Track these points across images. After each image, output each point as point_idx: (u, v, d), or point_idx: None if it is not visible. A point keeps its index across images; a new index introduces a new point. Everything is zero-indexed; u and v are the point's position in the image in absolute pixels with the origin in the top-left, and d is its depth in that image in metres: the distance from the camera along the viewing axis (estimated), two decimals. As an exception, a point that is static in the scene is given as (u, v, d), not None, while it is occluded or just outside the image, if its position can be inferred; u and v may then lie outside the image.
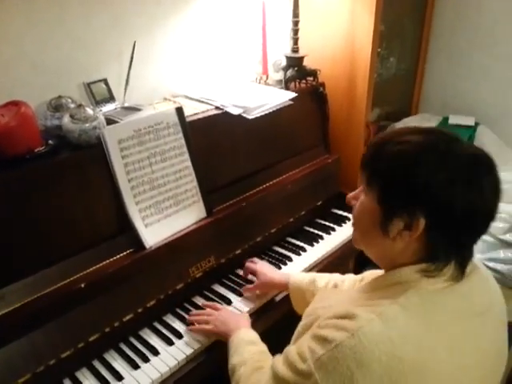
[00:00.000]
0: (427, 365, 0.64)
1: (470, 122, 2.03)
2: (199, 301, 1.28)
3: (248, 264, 1.35)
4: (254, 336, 1.05)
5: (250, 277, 1.34)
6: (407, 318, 0.66)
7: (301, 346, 0.72)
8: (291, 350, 0.75)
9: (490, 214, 0.70)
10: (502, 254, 1.59)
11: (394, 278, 0.73)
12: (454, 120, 2.06)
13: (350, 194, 0.83)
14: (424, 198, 0.67)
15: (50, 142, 1.08)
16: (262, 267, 1.31)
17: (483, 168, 0.69)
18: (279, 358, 0.78)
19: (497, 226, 1.61)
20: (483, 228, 0.72)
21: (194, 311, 1.22)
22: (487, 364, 0.73)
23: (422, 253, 0.71)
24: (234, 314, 1.18)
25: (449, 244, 0.70)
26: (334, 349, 0.65)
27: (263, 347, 1.01)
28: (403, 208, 0.69)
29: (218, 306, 1.22)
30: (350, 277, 1.10)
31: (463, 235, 0.70)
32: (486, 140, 1.94)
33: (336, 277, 1.13)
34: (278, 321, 1.30)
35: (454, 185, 0.66)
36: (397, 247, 0.72)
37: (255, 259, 1.38)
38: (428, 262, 0.70)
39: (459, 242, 0.71)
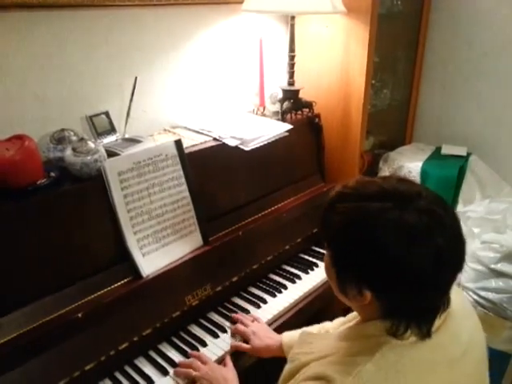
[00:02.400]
0: None
1: (463, 152, 2.07)
2: (195, 329, 1.30)
3: (239, 326, 1.25)
4: None
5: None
6: (383, 377, 0.67)
7: None
8: None
9: (437, 281, 0.68)
10: (493, 283, 1.61)
11: (365, 332, 0.74)
12: (446, 150, 2.10)
13: None
14: (362, 274, 0.69)
15: (52, 173, 1.11)
16: (255, 331, 1.22)
17: (427, 236, 0.65)
18: None
19: (488, 255, 1.64)
20: (435, 295, 0.70)
21: (182, 361, 1.16)
22: None
23: (380, 314, 0.72)
24: (222, 374, 1.09)
25: (401, 311, 0.70)
26: None
27: None
28: (350, 278, 0.71)
29: (204, 358, 1.15)
30: (339, 320, 1.09)
31: (413, 303, 0.69)
32: (478, 170, 1.98)
33: (326, 325, 1.12)
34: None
35: (396, 257, 0.65)
36: (358, 305, 0.74)
37: (247, 321, 1.27)
38: (388, 321, 0.71)
39: (412, 309, 0.70)
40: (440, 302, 0.71)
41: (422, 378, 0.68)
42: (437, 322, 0.72)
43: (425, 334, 0.70)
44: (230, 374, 1.10)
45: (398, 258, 0.65)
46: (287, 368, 0.83)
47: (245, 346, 1.20)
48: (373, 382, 0.66)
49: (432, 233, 0.65)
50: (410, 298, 0.69)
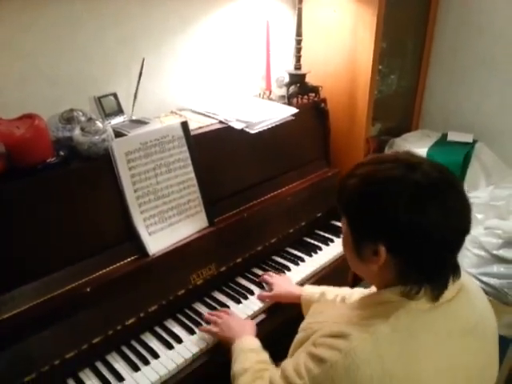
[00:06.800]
0: (417, 380, 0.68)
1: (469, 138, 2.07)
2: (199, 307, 1.33)
3: (265, 277, 1.41)
4: (256, 344, 1.08)
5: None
6: (397, 338, 0.69)
7: (297, 362, 0.76)
8: (288, 364, 0.78)
9: (444, 241, 0.71)
10: (495, 268, 1.63)
11: (380, 298, 0.76)
12: (452, 137, 2.10)
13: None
14: (378, 228, 0.72)
15: (61, 152, 1.14)
16: (278, 279, 1.38)
17: (433, 195, 0.70)
18: (277, 371, 0.81)
19: (491, 241, 1.65)
20: (443, 254, 0.73)
21: (209, 312, 1.28)
22: (476, 379, 0.77)
23: (395, 277, 0.75)
24: (241, 322, 1.21)
25: (414, 270, 0.73)
26: (329, 369, 0.69)
27: (264, 356, 1.04)
28: (366, 237, 0.75)
29: (229, 311, 1.27)
30: (360, 290, 1.13)
31: (424, 261, 0.72)
32: (483, 157, 1.98)
33: (345, 290, 1.17)
34: (282, 324, 1.34)
35: (405, 214, 0.69)
36: (372, 270, 0.77)
37: (271, 273, 1.43)
38: (402, 285, 0.74)
39: (423, 268, 0.73)
40: (449, 262, 0.74)
41: (435, 343, 0.71)
42: (450, 293, 0.74)
43: (435, 297, 0.73)
44: (248, 323, 1.22)
45: (407, 214, 0.69)
46: (299, 337, 0.85)
47: (267, 293, 1.35)
48: (387, 342, 0.69)
49: (440, 191, 0.70)
50: (421, 255, 0.71)
